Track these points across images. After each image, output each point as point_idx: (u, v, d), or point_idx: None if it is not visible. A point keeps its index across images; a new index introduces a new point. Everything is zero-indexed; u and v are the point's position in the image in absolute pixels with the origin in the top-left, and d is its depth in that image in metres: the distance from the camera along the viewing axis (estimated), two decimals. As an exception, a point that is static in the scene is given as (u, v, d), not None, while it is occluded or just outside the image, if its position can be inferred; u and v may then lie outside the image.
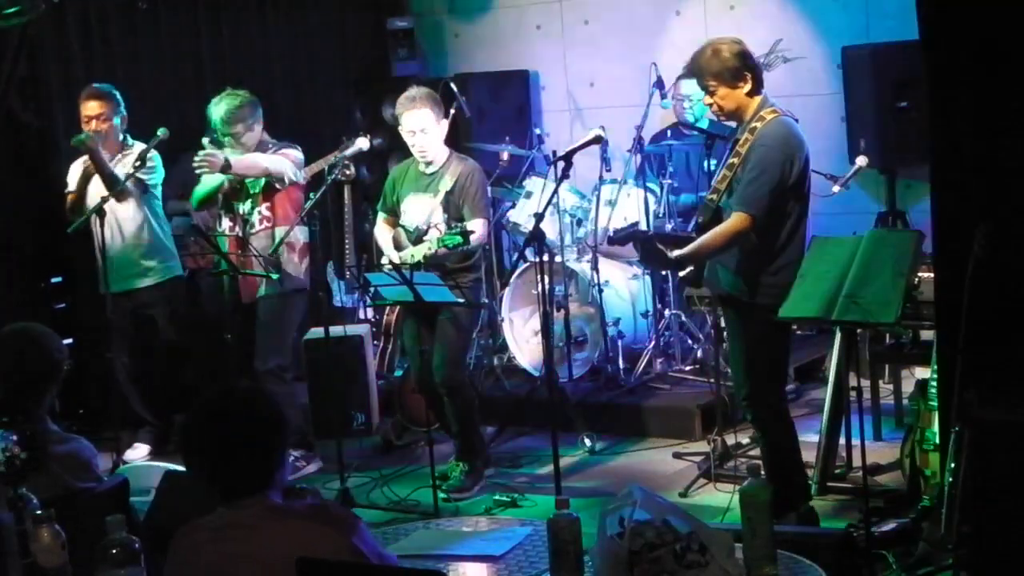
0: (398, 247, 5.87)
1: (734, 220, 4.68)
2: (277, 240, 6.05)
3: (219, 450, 2.82)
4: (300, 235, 6.22)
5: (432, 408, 6.00)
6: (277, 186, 6.10)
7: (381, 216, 6.09)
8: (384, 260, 5.93)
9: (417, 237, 5.83)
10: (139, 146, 6.43)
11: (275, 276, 6.01)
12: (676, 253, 4.74)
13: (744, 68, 4.74)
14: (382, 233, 6.03)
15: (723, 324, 6.54)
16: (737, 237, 4.70)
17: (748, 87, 4.76)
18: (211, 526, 2.82)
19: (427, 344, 5.91)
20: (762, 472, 4.03)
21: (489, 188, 6.11)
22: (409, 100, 5.78)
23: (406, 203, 5.93)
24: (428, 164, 5.86)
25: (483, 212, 5.83)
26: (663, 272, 6.90)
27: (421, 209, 5.86)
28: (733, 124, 5.02)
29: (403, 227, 5.93)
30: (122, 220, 6.46)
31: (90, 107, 6.41)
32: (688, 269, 4.91)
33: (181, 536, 2.86)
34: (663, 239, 4.91)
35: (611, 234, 5.18)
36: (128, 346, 6.61)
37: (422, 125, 5.76)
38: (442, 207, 5.80)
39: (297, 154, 6.18)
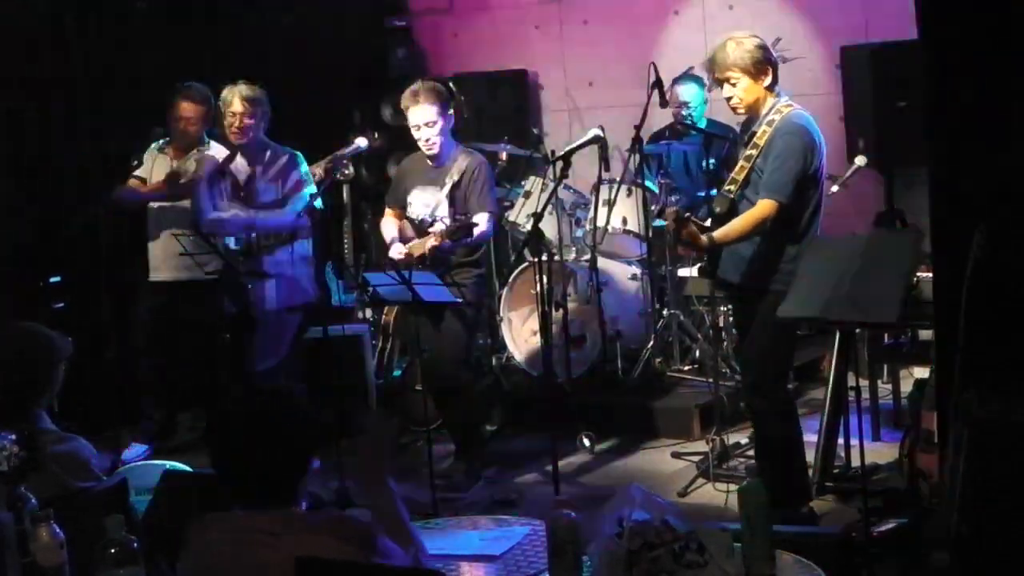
0: (404, 240, 5.89)
1: (762, 206, 4.75)
2: (295, 251, 6.19)
3: (247, 456, 2.76)
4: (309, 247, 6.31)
5: (440, 407, 6.02)
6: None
7: (388, 210, 6.12)
8: (393, 252, 5.94)
9: (422, 229, 5.84)
10: (215, 146, 6.45)
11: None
12: (708, 236, 4.79)
13: (766, 61, 4.83)
14: (387, 227, 6.06)
15: (729, 320, 6.58)
16: (764, 222, 4.77)
17: (769, 80, 4.84)
18: (230, 527, 2.76)
19: (427, 344, 5.91)
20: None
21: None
22: (413, 94, 5.79)
23: (412, 195, 5.95)
24: (435, 157, 5.87)
25: (489, 206, 5.84)
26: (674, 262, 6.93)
27: (427, 201, 5.88)
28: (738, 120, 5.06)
29: (409, 219, 5.95)
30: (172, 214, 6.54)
31: (184, 108, 6.46)
32: (704, 261, 4.96)
33: (198, 533, 2.81)
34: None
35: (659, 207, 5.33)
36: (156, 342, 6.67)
37: (427, 119, 5.77)
38: (448, 200, 5.81)
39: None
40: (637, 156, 7.09)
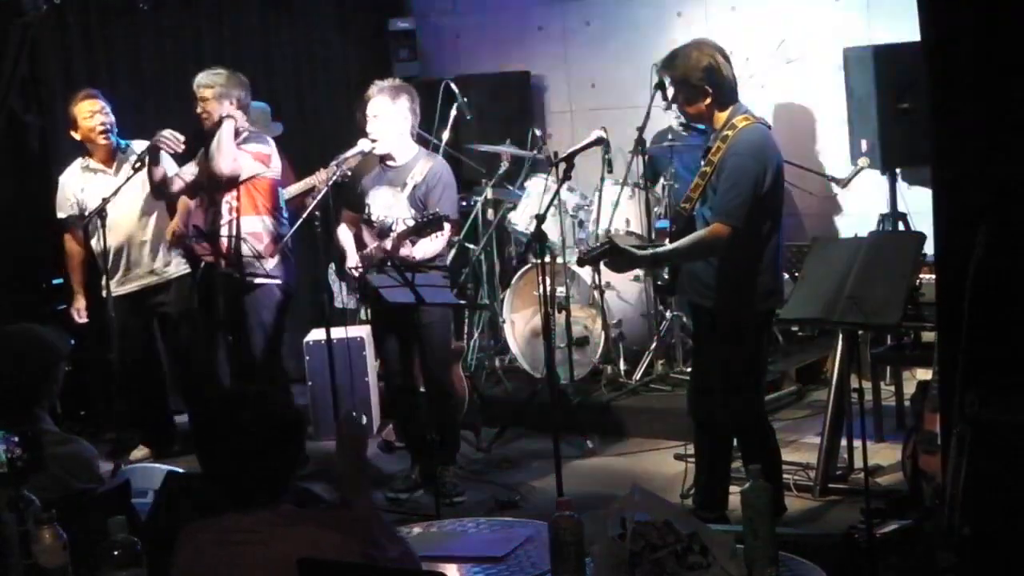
0: (361, 246, 5.84)
1: (713, 229, 4.62)
2: (243, 229, 6.05)
3: (234, 458, 2.77)
4: (269, 226, 6.16)
5: (397, 412, 6.00)
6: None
7: (344, 213, 6.02)
8: (349, 264, 5.89)
9: (382, 231, 5.78)
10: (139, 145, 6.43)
11: (275, 280, 6.04)
12: (651, 251, 4.74)
13: (707, 84, 4.69)
14: (344, 234, 5.98)
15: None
16: (715, 246, 4.65)
17: (707, 102, 4.72)
18: (219, 528, 2.77)
19: (393, 353, 5.91)
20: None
21: (458, 192, 6.03)
22: (377, 88, 5.78)
23: (372, 195, 5.86)
24: (387, 156, 5.80)
25: (449, 213, 5.74)
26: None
27: (387, 203, 5.80)
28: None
29: (369, 221, 5.87)
30: (136, 220, 6.51)
31: (94, 105, 6.41)
32: (665, 278, 4.92)
33: (185, 539, 2.81)
34: (635, 247, 4.88)
35: (580, 254, 5.03)
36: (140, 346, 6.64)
37: (376, 111, 5.74)
38: (408, 202, 5.76)
39: (264, 148, 6.15)
40: (640, 158, 7.09)
